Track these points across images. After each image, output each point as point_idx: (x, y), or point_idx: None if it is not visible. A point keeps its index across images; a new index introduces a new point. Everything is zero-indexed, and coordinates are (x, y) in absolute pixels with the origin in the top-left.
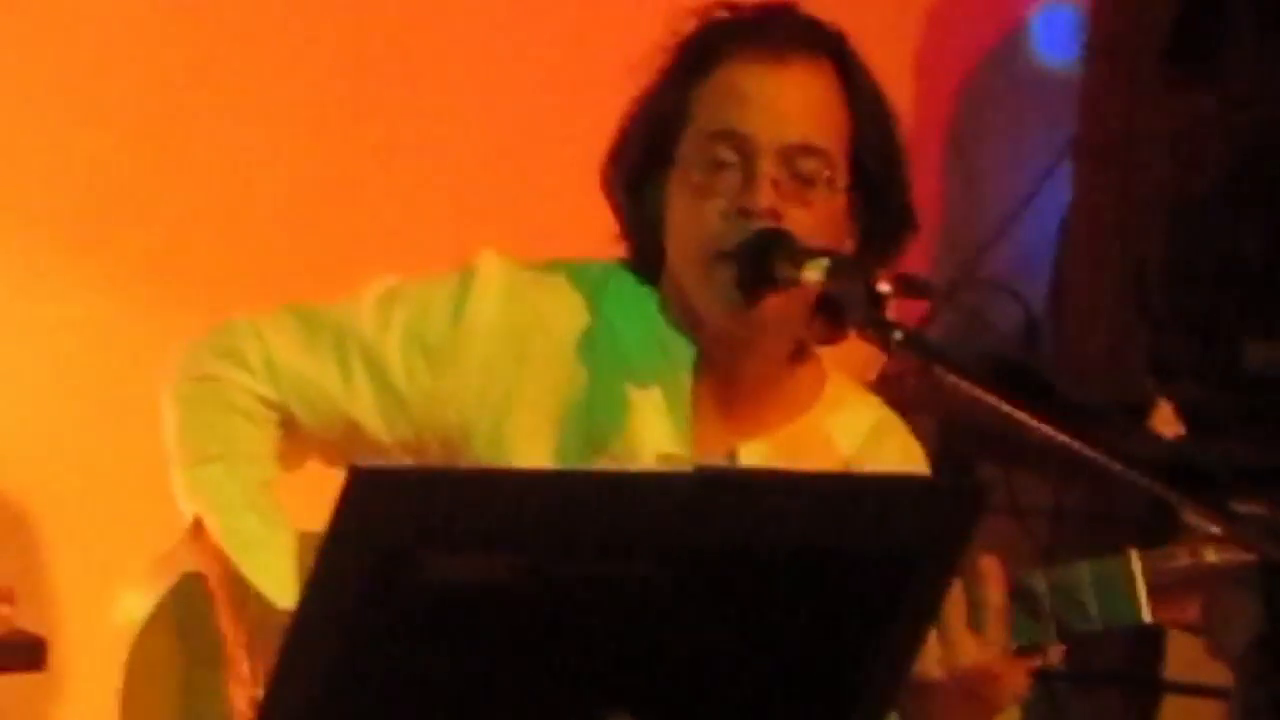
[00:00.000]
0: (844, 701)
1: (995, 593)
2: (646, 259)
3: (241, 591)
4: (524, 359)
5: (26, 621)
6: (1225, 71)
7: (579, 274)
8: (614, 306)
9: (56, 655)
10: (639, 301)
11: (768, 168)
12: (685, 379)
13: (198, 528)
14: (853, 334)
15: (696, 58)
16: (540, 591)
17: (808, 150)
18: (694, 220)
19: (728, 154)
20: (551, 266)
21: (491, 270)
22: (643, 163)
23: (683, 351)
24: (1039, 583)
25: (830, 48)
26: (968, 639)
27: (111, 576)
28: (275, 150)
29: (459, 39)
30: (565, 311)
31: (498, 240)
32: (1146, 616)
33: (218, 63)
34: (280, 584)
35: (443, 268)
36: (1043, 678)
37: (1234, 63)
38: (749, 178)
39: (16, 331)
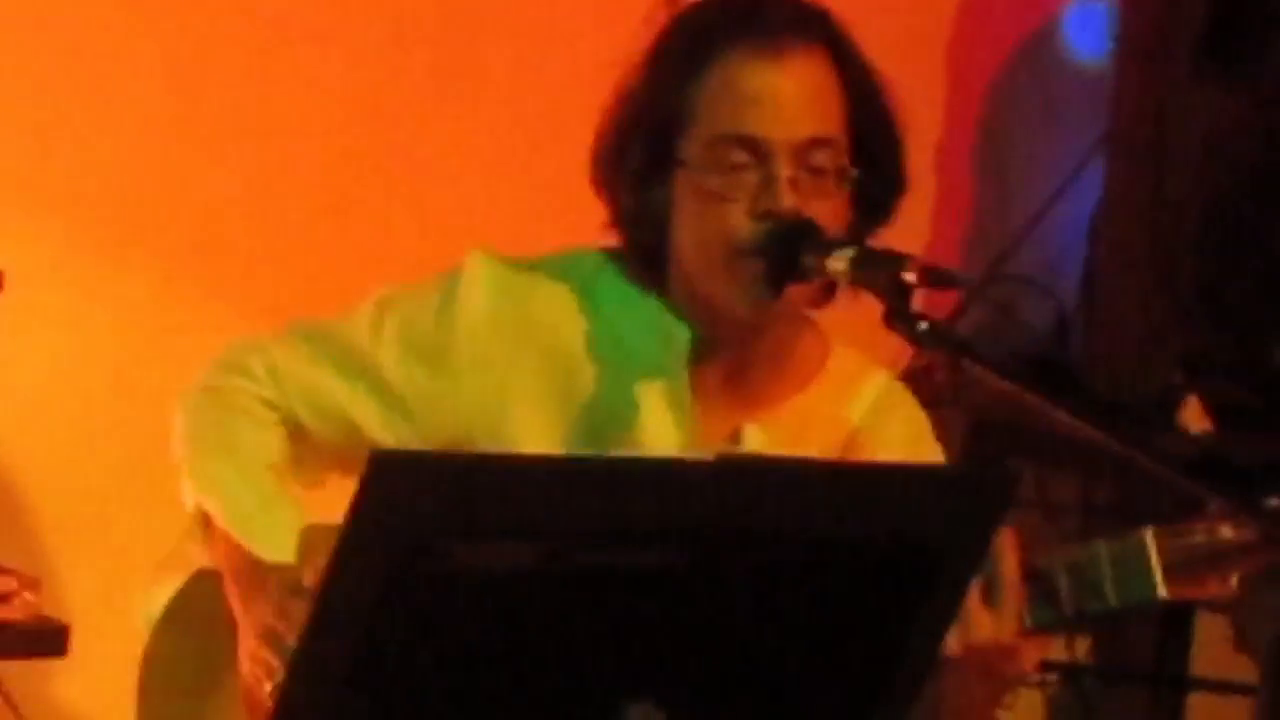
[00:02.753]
0: (869, 689)
1: (1010, 569)
2: (644, 252)
3: (259, 575)
4: (517, 354)
5: (50, 609)
6: (1257, 70)
7: (568, 267)
8: (608, 298)
9: (77, 641)
10: (632, 292)
11: (784, 167)
12: (684, 364)
13: (205, 522)
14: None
15: (688, 52)
16: (560, 578)
17: (819, 143)
18: (714, 222)
19: (741, 156)
20: (539, 261)
21: (477, 269)
22: (644, 162)
23: (681, 337)
24: (1056, 564)
25: (822, 31)
26: (983, 614)
27: (130, 568)
28: (303, 150)
29: (485, 41)
30: (557, 306)
31: (521, 240)
32: (1163, 593)
33: (249, 64)
34: (277, 544)
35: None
36: (1072, 674)
37: (1266, 61)
38: (767, 180)
39: (46, 331)
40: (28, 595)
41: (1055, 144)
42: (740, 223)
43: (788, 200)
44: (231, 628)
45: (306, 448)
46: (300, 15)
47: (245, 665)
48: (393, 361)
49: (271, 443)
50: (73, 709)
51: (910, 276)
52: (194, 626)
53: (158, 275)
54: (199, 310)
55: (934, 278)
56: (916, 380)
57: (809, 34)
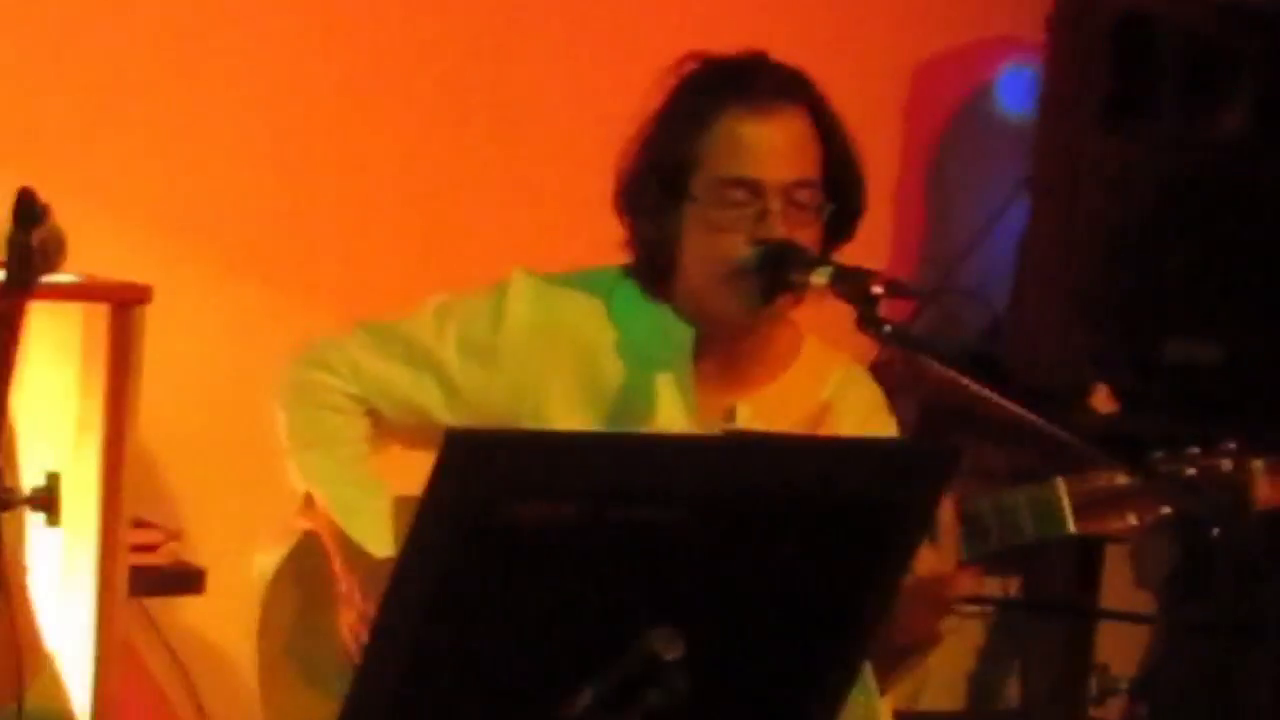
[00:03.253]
0: (842, 616)
1: (947, 514)
2: (653, 268)
3: (356, 554)
4: (552, 352)
5: (191, 555)
6: (1152, 124)
7: (593, 281)
8: (626, 306)
9: (212, 582)
10: (644, 300)
11: (775, 203)
12: (688, 358)
13: (309, 501)
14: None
15: (696, 109)
16: (597, 530)
17: (802, 184)
18: (717, 247)
19: (739, 194)
20: (569, 277)
21: (520, 284)
22: (659, 197)
23: (684, 335)
24: (985, 507)
25: (804, 94)
26: (926, 551)
27: (254, 523)
28: (402, 164)
29: (587, 41)
30: (585, 314)
31: (555, 258)
32: (1072, 529)
33: (357, 82)
34: (378, 539)
35: (552, 266)
36: (1001, 607)
37: (1159, 117)
38: (761, 213)
39: (187, 335)
40: (172, 544)
41: (989, 182)
42: (739, 247)
43: (779, 229)
44: (328, 584)
45: (381, 428)
46: (395, 57)
47: (344, 632)
48: (452, 358)
49: (358, 431)
50: (208, 638)
51: (877, 289)
52: (300, 581)
53: (271, 289)
54: (302, 316)
55: (894, 289)
56: (878, 371)
57: (794, 96)
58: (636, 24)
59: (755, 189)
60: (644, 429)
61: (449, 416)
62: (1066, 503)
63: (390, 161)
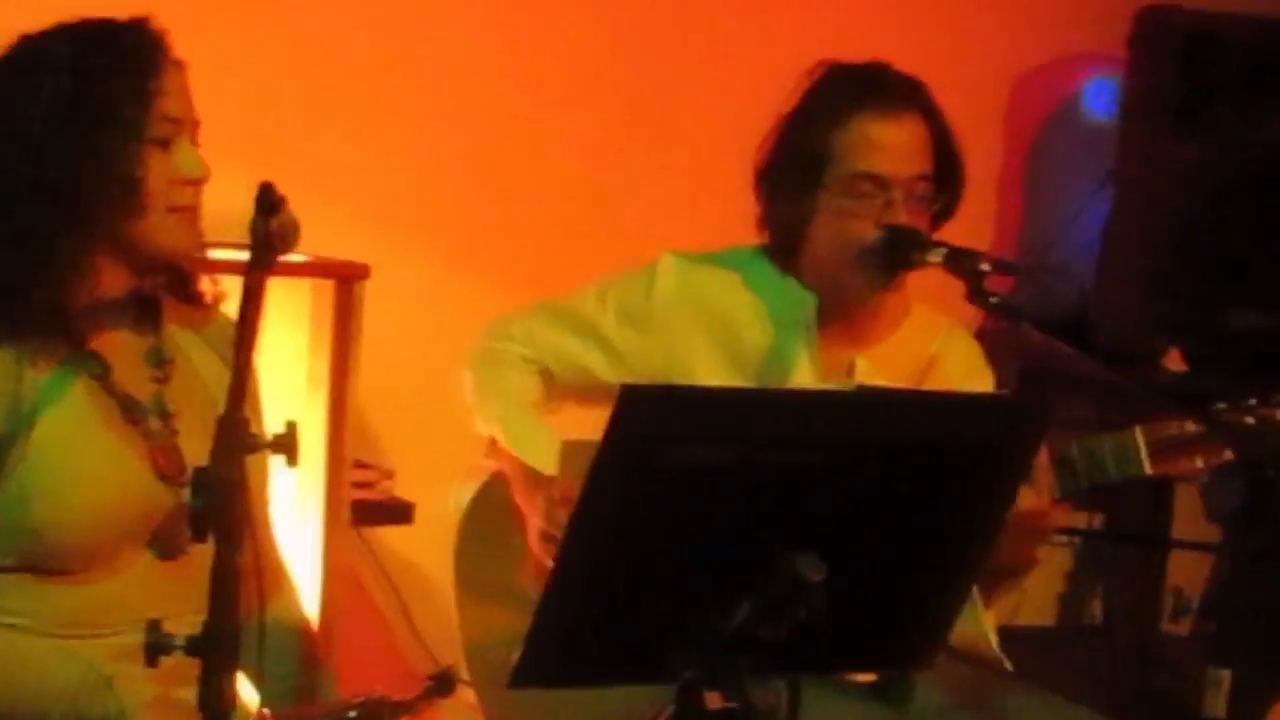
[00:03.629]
0: (957, 546)
1: (1043, 460)
2: (784, 245)
3: (534, 481)
4: (697, 320)
5: (402, 491)
6: (1217, 126)
7: (730, 258)
8: (757, 278)
9: (421, 514)
10: (774, 273)
11: (899, 194)
12: (813, 322)
13: (493, 444)
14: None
15: (832, 109)
16: (750, 470)
17: (920, 178)
18: (847, 231)
19: (868, 186)
20: (709, 255)
21: (667, 262)
22: (796, 185)
23: (809, 302)
24: (1073, 450)
25: (921, 100)
26: (1026, 491)
27: (454, 465)
28: (576, 161)
29: (733, 51)
30: (723, 285)
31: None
32: (1149, 470)
33: (541, 90)
34: (548, 461)
35: (701, 247)
36: (1086, 537)
37: (1224, 120)
38: (887, 203)
39: (401, 307)
40: (386, 482)
41: (1078, 176)
42: (867, 231)
43: (901, 216)
44: (513, 517)
45: (554, 388)
46: (573, 67)
47: (534, 545)
48: (613, 325)
49: (532, 386)
50: (415, 562)
51: (985, 266)
52: (489, 512)
53: (467, 267)
54: (492, 288)
55: (999, 267)
56: (983, 338)
57: (914, 103)
58: (773, 35)
59: (882, 182)
60: (781, 384)
61: (611, 377)
62: (1144, 447)
63: (567, 160)
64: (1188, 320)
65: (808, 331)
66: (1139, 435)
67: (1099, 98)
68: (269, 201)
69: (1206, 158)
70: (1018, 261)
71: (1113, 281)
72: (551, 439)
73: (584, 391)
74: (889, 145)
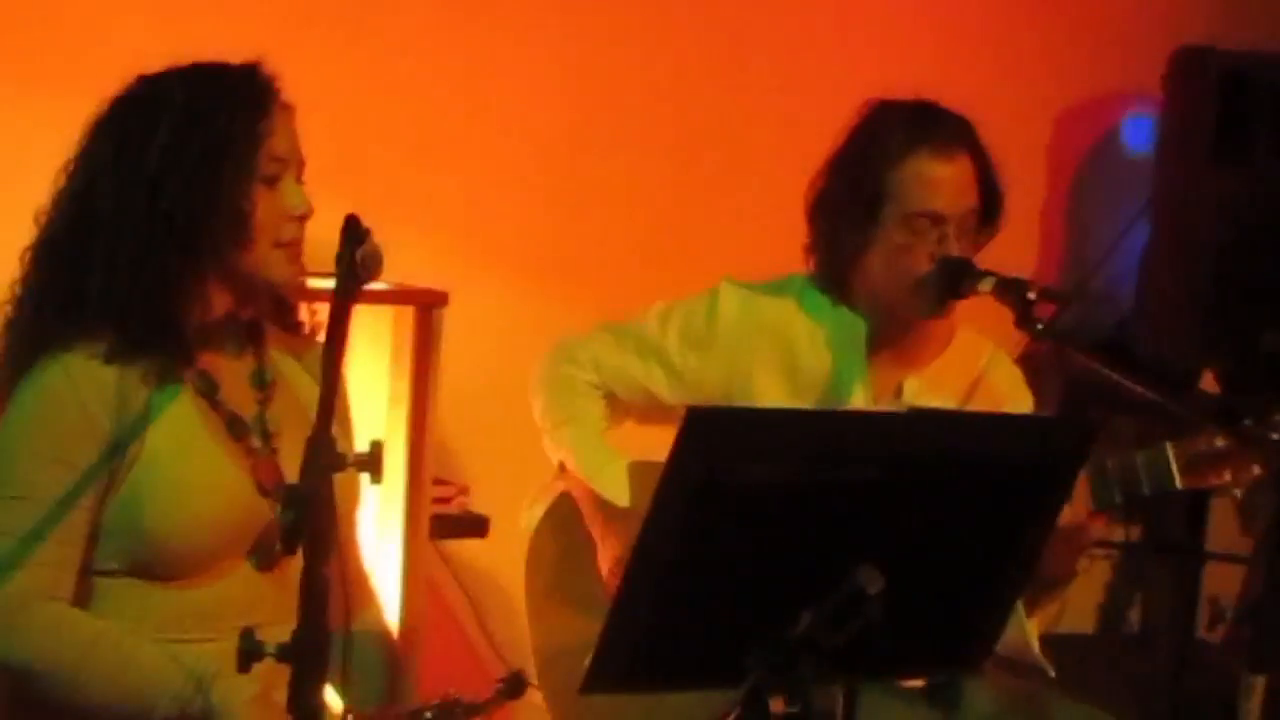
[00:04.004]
0: (1006, 558)
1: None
2: (834, 274)
3: (606, 508)
4: (756, 345)
5: (477, 506)
6: (1249, 160)
7: (785, 287)
8: (813, 306)
9: (495, 528)
10: (825, 300)
11: (952, 229)
12: (863, 345)
13: (563, 467)
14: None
15: (887, 148)
16: (810, 487)
17: (970, 212)
18: (903, 264)
19: (924, 223)
20: (768, 285)
21: (728, 290)
22: (852, 220)
23: (860, 328)
24: (1108, 465)
25: (969, 138)
26: (1067, 509)
27: (527, 483)
28: (643, 191)
29: (792, 83)
30: (780, 312)
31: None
32: (1179, 484)
33: (611, 110)
34: (619, 492)
35: (757, 274)
36: (1125, 549)
37: (1256, 154)
38: (942, 237)
39: (478, 330)
40: (462, 498)
41: (1118, 206)
42: (922, 264)
43: (954, 248)
44: (580, 534)
45: (618, 409)
46: (639, 100)
47: (603, 569)
48: (675, 348)
49: (600, 412)
50: (490, 574)
51: (1032, 295)
52: (558, 529)
53: (541, 293)
54: (563, 314)
55: (1045, 295)
56: (1029, 359)
57: (963, 141)
58: (829, 68)
59: (938, 219)
60: (836, 405)
61: (672, 397)
62: (1174, 462)
63: (640, 190)
64: (1221, 343)
65: (859, 354)
66: (1170, 451)
67: (1137, 133)
68: (354, 233)
69: (1239, 190)
70: (1060, 288)
71: (1150, 306)
72: (621, 468)
73: (645, 411)
74: (944, 183)
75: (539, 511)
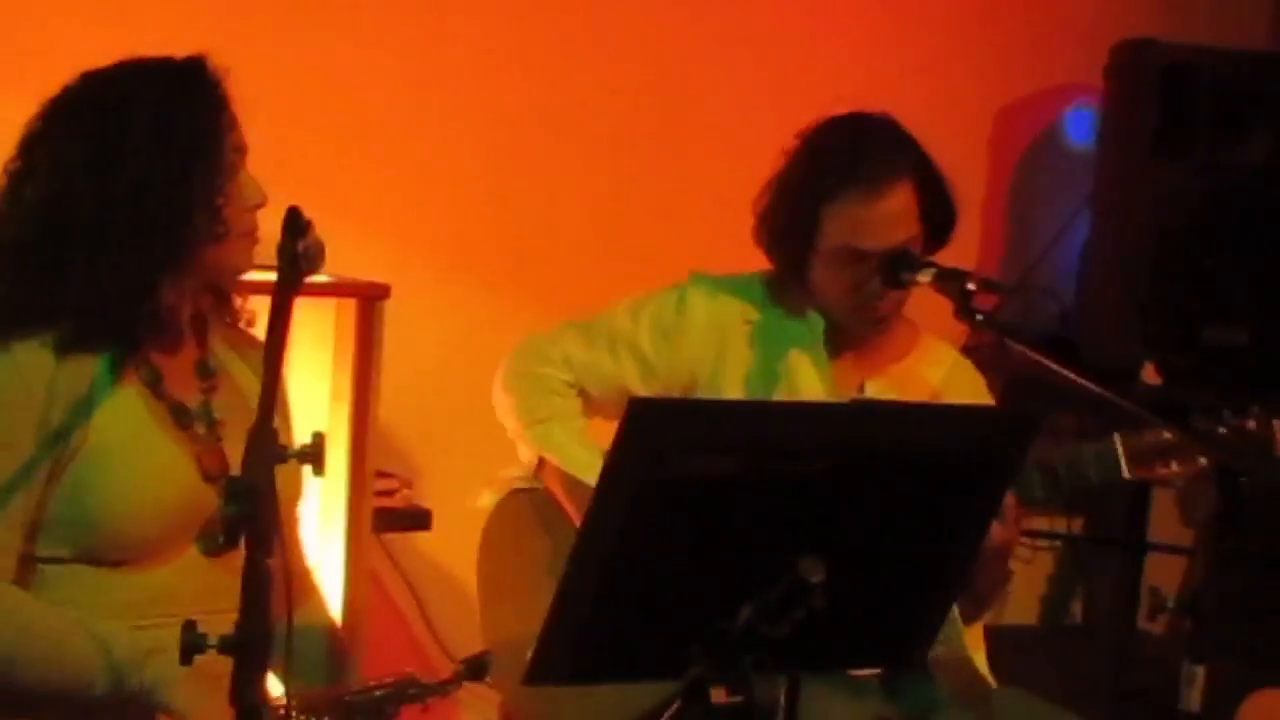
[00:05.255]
0: (946, 552)
1: (1010, 500)
2: (787, 281)
3: (583, 496)
4: (724, 336)
5: (421, 499)
6: (1191, 153)
7: (749, 284)
8: (772, 302)
9: (439, 521)
10: (785, 298)
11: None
12: (821, 341)
13: (541, 464)
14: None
15: (822, 182)
16: (752, 479)
17: (906, 241)
18: (841, 282)
19: (853, 257)
20: (732, 280)
21: (697, 283)
22: (790, 244)
23: (818, 324)
24: (1056, 457)
25: (908, 162)
26: (994, 525)
27: (470, 476)
28: (590, 185)
29: (739, 80)
30: (743, 308)
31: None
32: (1127, 475)
33: (556, 104)
34: None
35: (710, 267)
36: (1068, 540)
37: (1197, 147)
38: (873, 270)
39: (420, 326)
40: (406, 491)
41: (1059, 200)
42: (854, 290)
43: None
44: (534, 524)
45: (589, 406)
46: (585, 94)
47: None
48: (646, 338)
49: (577, 409)
50: (434, 567)
51: (971, 285)
52: (512, 520)
53: (485, 287)
54: (509, 307)
55: (985, 285)
56: (969, 353)
57: (902, 169)
58: (774, 69)
59: (866, 255)
60: (794, 397)
61: (644, 389)
62: (1123, 454)
63: (581, 184)
64: (1163, 336)
65: (817, 352)
66: (1118, 442)
67: (1078, 126)
68: (296, 225)
69: (1181, 183)
70: (1002, 280)
71: (1092, 299)
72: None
73: (616, 408)
74: (873, 223)
75: (494, 498)
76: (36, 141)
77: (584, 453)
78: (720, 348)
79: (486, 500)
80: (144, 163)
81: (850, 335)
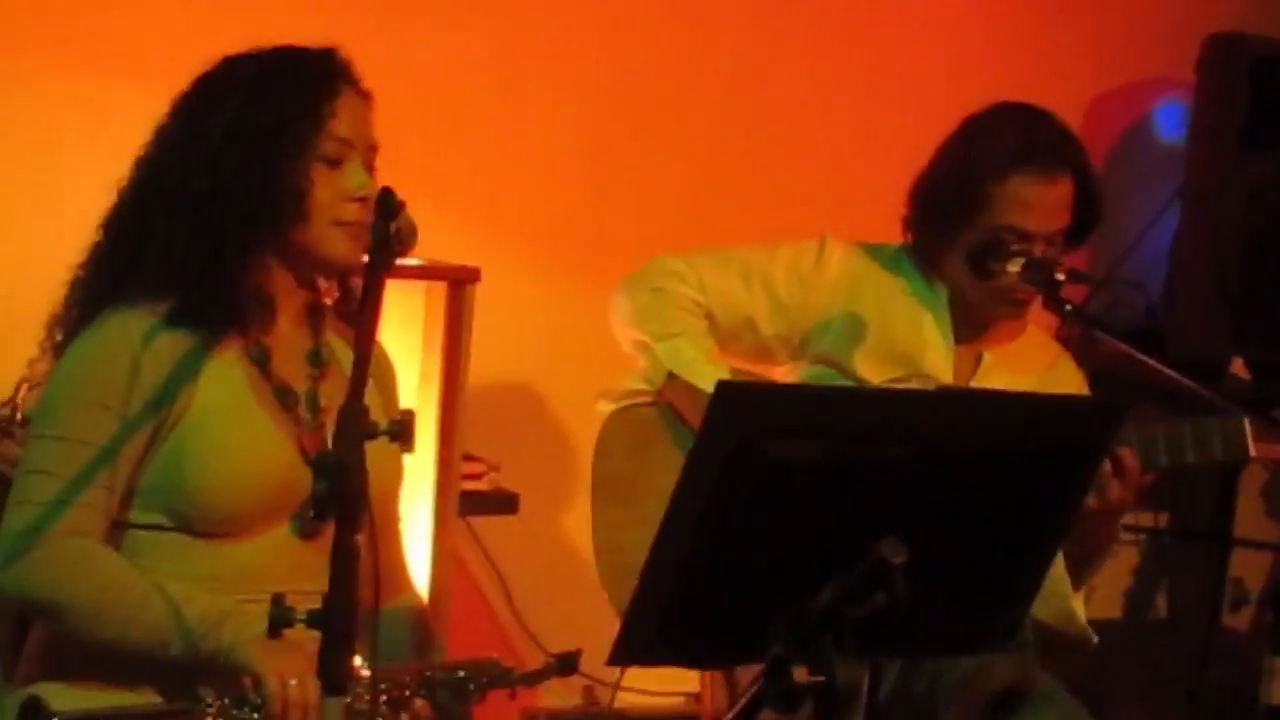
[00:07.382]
0: (1034, 534)
1: (1129, 458)
2: (923, 251)
3: None
4: (853, 293)
5: (507, 483)
6: None
7: (881, 251)
8: (904, 271)
9: (525, 504)
10: (915, 268)
11: (1038, 248)
12: (945, 307)
13: (671, 378)
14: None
15: (994, 161)
16: (837, 464)
17: (1058, 231)
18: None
19: (1010, 236)
20: (868, 247)
21: (835, 242)
22: (946, 220)
23: (942, 294)
24: (1184, 428)
25: (1074, 158)
26: (1113, 482)
27: (557, 459)
28: (679, 169)
29: (829, 66)
30: (877, 271)
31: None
32: (1253, 453)
33: (643, 90)
34: None
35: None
36: (1152, 535)
37: None
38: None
39: (508, 310)
40: (492, 474)
41: (1150, 193)
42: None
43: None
44: (651, 429)
45: (713, 331)
46: (677, 79)
47: None
48: (781, 275)
49: (704, 328)
50: (520, 551)
51: (1060, 275)
52: (630, 426)
53: (572, 270)
54: (596, 292)
55: (1073, 276)
56: (1059, 342)
57: (1068, 162)
58: (863, 57)
59: (1025, 236)
60: (918, 366)
61: (770, 328)
62: (1249, 432)
63: (671, 172)
64: (1252, 329)
65: (941, 316)
66: (1246, 420)
67: (1169, 120)
68: (389, 206)
69: (1271, 177)
70: (1091, 272)
71: (1181, 293)
72: (727, 371)
73: (733, 342)
74: (1038, 206)
75: (615, 405)
76: (164, 116)
77: (717, 371)
78: (850, 299)
79: (603, 407)
80: (226, 136)
81: (971, 315)
